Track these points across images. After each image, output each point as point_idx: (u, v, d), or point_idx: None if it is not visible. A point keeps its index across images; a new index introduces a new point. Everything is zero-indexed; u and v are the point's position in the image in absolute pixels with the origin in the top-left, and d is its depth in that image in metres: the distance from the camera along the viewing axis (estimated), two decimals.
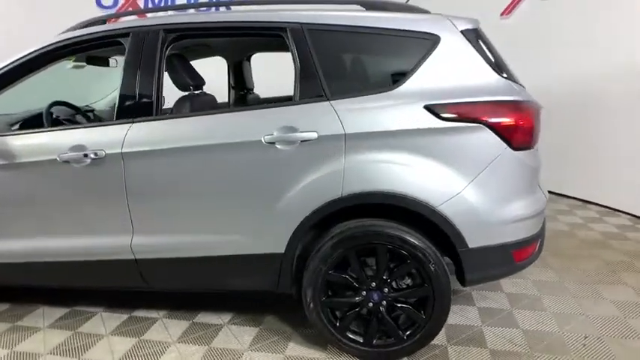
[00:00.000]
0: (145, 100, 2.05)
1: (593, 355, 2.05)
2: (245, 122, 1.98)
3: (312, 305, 2.03)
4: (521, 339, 2.19)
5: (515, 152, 1.86)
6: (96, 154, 2.02)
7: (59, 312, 2.59)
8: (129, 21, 2.20)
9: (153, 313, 2.54)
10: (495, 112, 1.83)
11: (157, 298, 2.65)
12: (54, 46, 2.16)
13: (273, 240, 2.00)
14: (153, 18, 2.17)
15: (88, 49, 2.22)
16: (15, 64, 2.14)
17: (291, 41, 1.99)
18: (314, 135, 1.88)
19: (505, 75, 1.94)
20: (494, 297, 2.58)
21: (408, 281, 2.03)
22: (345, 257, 1.96)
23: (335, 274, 1.99)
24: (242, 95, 3.43)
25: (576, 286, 2.71)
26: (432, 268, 1.89)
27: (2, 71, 2.17)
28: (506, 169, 1.87)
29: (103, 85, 3.35)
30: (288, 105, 1.97)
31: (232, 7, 2.60)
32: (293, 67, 2.01)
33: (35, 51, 2.15)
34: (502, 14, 4.82)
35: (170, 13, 2.23)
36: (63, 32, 2.25)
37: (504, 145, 1.84)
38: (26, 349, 2.23)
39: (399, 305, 1.99)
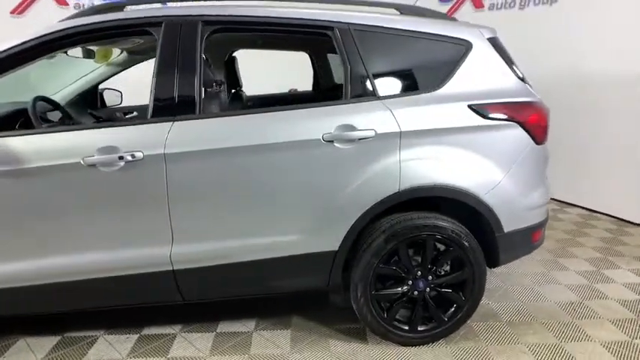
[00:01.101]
0: (186, 96, 1.88)
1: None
2: (302, 121, 1.94)
3: (362, 299, 2.08)
4: (524, 310, 2.52)
5: (537, 147, 2.14)
6: (133, 155, 1.81)
7: (48, 342, 2.23)
8: (157, 9, 1.99)
9: (167, 329, 2.34)
10: (525, 111, 2.09)
11: (161, 313, 2.43)
12: (65, 32, 1.86)
13: (330, 238, 2.01)
14: (188, 7, 1.98)
15: (105, 37, 1.96)
16: (15, 49, 1.80)
17: (339, 41, 2.01)
18: (372, 133, 1.94)
19: (522, 78, 2.22)
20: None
21: (447, 267, 2.19)
22: (395, 250, 2.05)
23: (385, 267, 2.07)
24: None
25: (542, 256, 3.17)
26: (473, 254, 2.08)
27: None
28: (531, 162, 2.15)
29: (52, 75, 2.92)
30: (343, 103, 1.99)
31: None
32: (341, 65, 2.04)
33: (43, 35, 1.83)
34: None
35: (201, 2, 2.05)
36: (67, 18, 1.94)
37: (531, 140, 2.11)
38: None
39: (443, 290, 2.15)
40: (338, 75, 3.32)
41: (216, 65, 3.11)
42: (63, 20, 1.94)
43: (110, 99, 3.31)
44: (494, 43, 2.18)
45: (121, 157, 1.80)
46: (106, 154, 1.80)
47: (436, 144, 2.00)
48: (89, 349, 2.18)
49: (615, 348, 2.17)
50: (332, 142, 1.92)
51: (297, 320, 2.43)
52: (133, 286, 1.96)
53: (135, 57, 2.97)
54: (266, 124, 1.93)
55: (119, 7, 1.98)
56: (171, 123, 1.86)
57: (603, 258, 3.22)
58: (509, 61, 2.19)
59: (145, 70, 2.38)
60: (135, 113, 3.29)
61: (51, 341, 2.24)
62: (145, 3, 2.11)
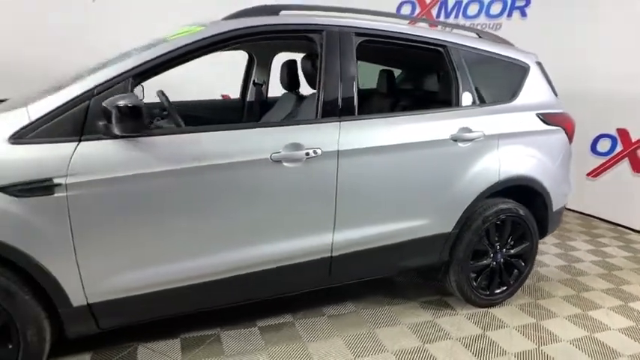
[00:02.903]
0: (349, 99, 2.10)
1: None
2: (435, 122, 2.31)
3: (462, 271, 2.53)
4: None
5: (569, 146, 2.85)
6: (315, 152, 1.96)
7: (171, 344, 2.19)
8: (318, 17, 2.13)
9: (210, 331, 2.41)
10: (566, 119, 2.77)
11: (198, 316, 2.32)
12: (233, 33, 1.90)
13: (448, 221, 2.41)
14: (343, 19, 2.16)
15: (269, 39, 2.04)
16: (183, 49, 1.80)
17: (450, 57, 2.43)
18: (481, 134, 2.40)
19: (556, 94, 2.90)
20: None
21: (512, 242, 2.75)
22: (487, 229, 2.55)
23: (479, 243, 2.55)
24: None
25: None
26: (533, 230, 2.69)
27: (168, 55, 1.79)
28: (567, 158, 2.84)
29: None
30: (460, 109, 2.41)
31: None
32: (446, 76, 2.45)
33: (200, 40, 1.85)
34: None
35: (347, 15, 2.23)
36: (226, 18, 1.98)
37: (568, 141, 2.80)
38: None
39: (512, 260, 2.71)
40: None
41: None
42: (227, 19, 1.97)
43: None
44: (540, 65, 2.82)
45: (307, 154, 1.94)
46: (293, 151, 1.92)
47: (517, 144, 2.55)
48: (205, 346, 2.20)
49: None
50: (456, 141, 2.33)
51: (330, 310, 2.64)
52: (295, 274, 2.09)
53: None
54: (410, 124, 2.25)
55: (275, 11, 2.08)
56: (339, 123, 2.06)
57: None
58: (549, 80, 2.85)
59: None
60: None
61: (174, 344, 2.20)
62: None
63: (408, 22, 2.57)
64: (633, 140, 4.33)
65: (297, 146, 1.94)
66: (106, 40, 4.41)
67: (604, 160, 4.57)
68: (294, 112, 2.73)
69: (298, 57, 2.68)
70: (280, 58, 2.98)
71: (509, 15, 5.29)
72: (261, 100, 3.42)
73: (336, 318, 2.50)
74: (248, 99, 3.41)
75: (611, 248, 3.89)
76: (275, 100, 3.22)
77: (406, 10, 5.99)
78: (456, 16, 5.72)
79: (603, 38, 4.40)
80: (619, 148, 4.45)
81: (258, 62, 3.35)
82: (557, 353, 2.30)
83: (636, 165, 4.34)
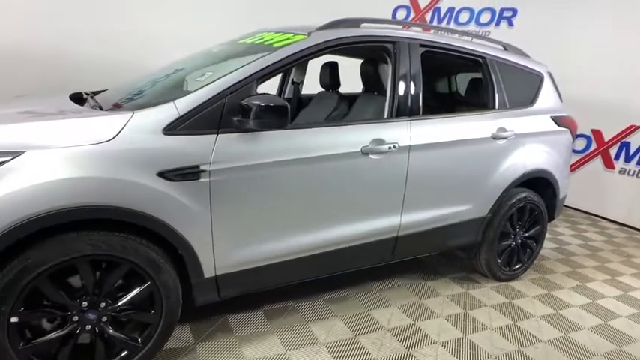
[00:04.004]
0: (416, 101, 2.45)
1: None
2: (480, 123, 2.71)
3: (492, 250, 2.98)
4: None
5: (572, 145, 3.36)
6: (395, 146, 2.31)
7: (251, 316, 2.47)
8: (392, 29, 2.45)
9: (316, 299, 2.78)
10: (571, 122, 3.28)
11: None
12: (332, 43, 2.20)
13: (485, 207, 2.83)
14: (411, 32, 2.50)
15: (352, 49, 2.34)
16: (285, 60, 2.06)
17: (487, 67, 2.84)
18: (513, 134, 2.84)
19: (561, 99, 3.40)
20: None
21: (528, 225, 3.22)
22: (511, 214, 3.00)
23: (505, 226, 3.00)
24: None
25: None
26: (544, 215, 3.19)
27: (282, 61, 2.06)
28: (569, 155, 3.35)
29: None
30: (496, 112, 2.83)
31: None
32: (485, 82, 2.87)
33: (308, 48, 2.13)
34: None
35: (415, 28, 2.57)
36: (319, 28, 2.26)
37: (572, 140, 3.31)
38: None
39: (528, 241, 3.19)
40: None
41: None
42: (320, 29, 2.25)
43: None
44: (550, 75, 3.31)
45: (389, 148, 2.28)
46: (378, 145, 2.26)
47: (537, 142, 3.02)
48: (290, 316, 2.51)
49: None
50: (495, 139, 2.75)
51: (385, 285, 3.12)
52: (370, 251, 2.43)
53: None
54: (460, 124, 2.64)
55: (356, 23, 2.39)
56: (409, 122, 2.41)
57: None
58: (556, 87, 3.35)
59: None
60: None
61: (258, 314, 2.48)
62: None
63: (454, 34, 2.95)
64: (606, 140, 4.99)
65: (380, 141, 2.27)
66: (114, 30, 4.54)
67: (579, 157, 5.22)
68: (340, 110, 3.05)
69: (337, 59, 3.00)
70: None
71: (497, 24, 5.84)
72: (297, 97, 3.69)
73: (392, 290, 2.87)
74: (285, 96, 3.67)
75: (590, 234, 4.52)
76: (309, 97, 3.52)
77: (401, 14, 6.40)
78: (448, 22, 6.20)
79: (580, 47, 4.99)
80: (593, 146, 5.11)
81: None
82: (571, 316, 2.79)
83: (607, 162, 5.01)
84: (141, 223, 1.72)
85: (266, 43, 2.27)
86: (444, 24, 6.21)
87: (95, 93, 2.54)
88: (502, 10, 5.76)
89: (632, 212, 4.81)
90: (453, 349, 2.31)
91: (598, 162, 5.08)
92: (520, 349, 2.38)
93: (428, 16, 6.32)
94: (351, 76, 3.45)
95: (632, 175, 4.81)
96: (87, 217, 1.63)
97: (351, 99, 3.21)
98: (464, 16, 6.11)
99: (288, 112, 1.85)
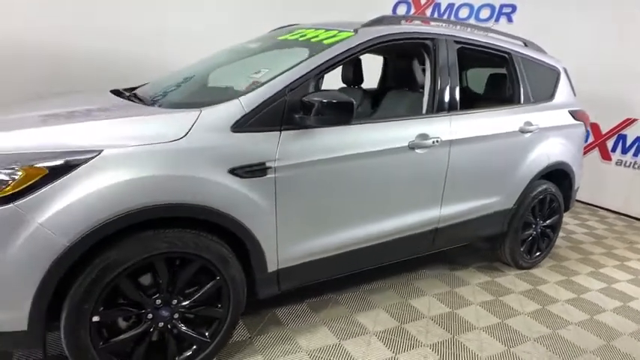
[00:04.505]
0: (455, 96, 2.53)
1: None
2: (509, 117, 2.81)
3: (516, 239, 3.10)
4: None
5: (584, 137, 3.51)
6: (437, 140, 2.38)
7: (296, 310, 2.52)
8: (431, 27, 2.51)
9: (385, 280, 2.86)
10: (585, 115, 3.42)
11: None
12: (378, 40, 2.25)
13: (511, 199, 2.94)
14: (447, 29, 2.57)
15: (391, 46, 2.38)
16: (339, 57, 2.10)
17: (513, 62, 2.94)
18: (537, 127, 2.95)
19: (575, 94, 3.54)
20: None
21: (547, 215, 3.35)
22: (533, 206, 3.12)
23: (527, 216, 3.13)
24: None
25: None
26: (561, 205, 3.33)
27: (335, 58, 2.09)
28: (582, 147, 3.50)
29: None
30: (522, 106, 2.93)
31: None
32: (508, 78, 2.97)
33: (359, 44, 2.18)
34: None
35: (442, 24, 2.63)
36: (365, 26, 2.31)
37: (585, 133, 3.46)
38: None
39: (547, 230, 3.33)
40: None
41: None
42: (365, 27, 2.30)
43: None
44: (566, 70, 3.44)
45: (432, 142, 2.35)
46: (422, 140, 2.32)
47: (558, 135, 3.14)
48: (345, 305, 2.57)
49: None
50: (522, 132, 2.86)
51: (419, 277, 3.25)
52: (415, 242, 2.51)
53: None
54: (492, 118, 2.73)
55: (396, 21, 2.44)
56: (449, 117, 2.49)
57: None
58: (571, 82, 3.48)
59: None
60: None
61: (303, 307, 2.53)
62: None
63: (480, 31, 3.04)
64: (603, 132, 5.20)
65: (425, 136, 2.34)
66: (111, 23, 4.47)
67: None
68: (364, 106, 3.12)
69: None
70: None
71: (497, 20, 5.98)
72: None
73: (423, 280, 2.96)
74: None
75: (592, 222, 4.72)
76: None
77: (402, 10, 6.48)
78: (448, 18, 6.31)
79: (579, 42, 5.16)
80: (590, 139, 5.31)
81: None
82: (593, 299, 2.94)
83: (605, 154, 5.23)
84: (214, 219, 1.74)
85: (313, 40, 2.30)
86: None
87: (130, 90, 2.54)
88: (502, 6, 5.90)
89: (629, 202, 5.04)
90: (494, 334, 2.42)
91: (595, 154, 5.29)
92: (555, 332, 2.50)
93: (428, 12, 6.41)
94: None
95: (629, 166, 5.04)
96: (163, 215, 1.64)
97: (374, 95, 3.29)
98: (463, 12, 6.23)
99: (353, 109, 1.89)
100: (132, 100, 2.12)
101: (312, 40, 2.32)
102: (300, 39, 2.41)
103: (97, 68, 4.41)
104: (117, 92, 2.37)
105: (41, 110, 1.90)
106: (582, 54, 5.16)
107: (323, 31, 2.38)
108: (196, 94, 2.29)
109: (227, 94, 1.95)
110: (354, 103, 1.90)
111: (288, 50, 2.46)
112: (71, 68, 4.40)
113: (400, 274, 3.01)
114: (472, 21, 6.15)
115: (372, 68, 3.62)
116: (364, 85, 3.30)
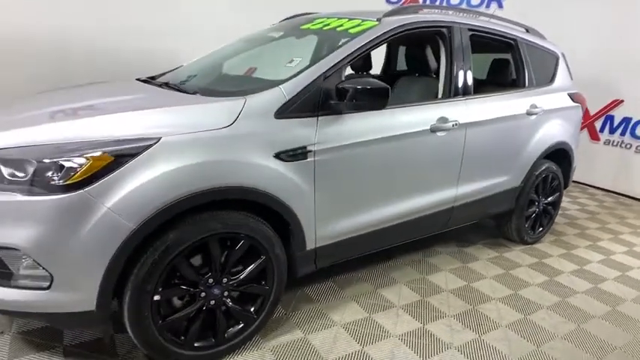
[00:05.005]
0: (468, 81, 2.66)
1: None
2: (517, 101, 2.96)
3: (522, 217, 3.28)
4: None
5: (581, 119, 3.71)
6: (456, 124, 2.51)
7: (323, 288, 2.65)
8: (446, 15, 2.62)
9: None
10: (582, 98, 3.61)
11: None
12: (401, 29, 2.35)
13: (518, 178, 3.11)
14: (461, 18, 2.68)
15: (417, 33, 2.48)
16: (367, 45, 2.20)
17: (520, 49, 3.09)
18: (542, 110, 3.12)
19: (572, 78, 3.71)
20: None
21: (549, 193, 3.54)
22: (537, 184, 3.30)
23: (532, 194, 3.31)
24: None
25: None
26: (561, 183, 3.52)
27: (364, 47, 2.19)
28: (579, 128, 3.69)
29: None
30: (527, 90, 3.08)
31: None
32: (514, 63, 3.12)
33: (384, 33, 2.28)
34: None
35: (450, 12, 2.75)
36: (387, 15, 2.40)
37: (582, 115, 3.65)
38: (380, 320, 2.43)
39: (548, 207, 3.52)
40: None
41: None
42: (386, 16, 2.40)
43: None
44: (564, 55, 3.61)
45: (452, 125, 2.48)
46: (443, 123, 2.45)
47: (559, 117, 3.32)
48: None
49: None
50: (528, 114, 3.02)
51: (430, 254, 3.42)
52: (434, 220, 2.66)
53: None
54: (502, 102, 2.88)
55: (414, 10, 2.54)
56: (465, 100, 2.62)
57: None
58: (568, 66, 3.65)
59: None
60: None
61: (330, 285, 2.66)
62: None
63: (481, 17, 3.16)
64: (591, 114, 5.44)
65: (444, 119, 2.47)
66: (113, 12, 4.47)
67: None
68: None
69: None
70: None
71: (488, 6, 6.12)
72: None
73: (435, 257, 3.12)
74: None
75: (583, 200, 4.97)
76: None
77: None
78: (440, 3, 6.43)
79: (568, 27, 5.34)
80: None
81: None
82: (594, 270, 3.15)
83: (593, 134, 5.48)
84: (262, 201, 1.84)
85: (339, 29, 2.39)
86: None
87: (152, 78, 2.59)
88: None
89: (617, 179, 5.31)
90: (509, 304, 2.59)
91: (584, 134, 5.52)
92: (564, 300, 2.70)
93: None
94: None
95: (616, 145, 5.30)
96: (219, 198, 1.73)
97: (384, 81, 3.39)
98: None
99: (388, 94, 2.00)
100: (171, 89, 2.18)
101: (338, 29, 2.40)
102: (324, 28, 2.50)
103: (113, 63, 4.45)
104: (145, 81, 2.42)
105: (89, 100, 1.96)
106: (571, 38, 5.34)
107: (346, 20, 2.47)
108: (234, 82, 2.35)
109: (265, 83, 2.03)
110: (389, 88, 2.00)
111: (314, 38, 2.54)
112: (79, 64, 4.40)
113: (413, 252, 3.16)
114: (463, 6, 6.29)
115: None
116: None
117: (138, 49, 4.65)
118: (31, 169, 1.51)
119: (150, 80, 2.48)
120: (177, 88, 2.17)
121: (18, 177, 1.51)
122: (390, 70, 3.82)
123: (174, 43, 4.71)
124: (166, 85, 2.30)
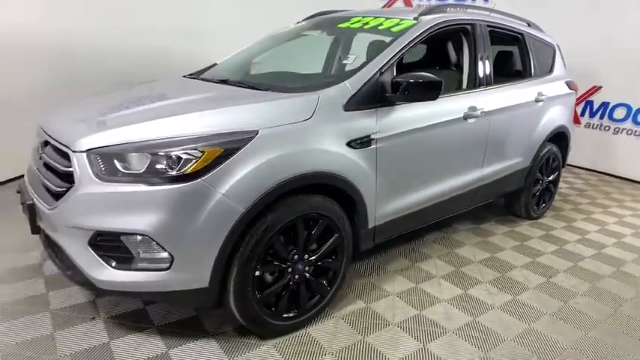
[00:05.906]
0: (489, 72, 2.96)
1: None
2: (528, 89, 3.29)
3: (531, 194, 3.65)
4: None
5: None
6: (483, 112, 2.81)
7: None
8: (469, 13, 2.90)
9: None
10: (575, 85, 4.00)
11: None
12: (437, 27, 2.62)
13: (528, 159, 3.46)
14: (481, 15, 2.97)
15: (448, 31, 2.75)
16: (412, 42, 2.45)
17: (526, 42, 3.42)
18: (546, 97, 3.47)
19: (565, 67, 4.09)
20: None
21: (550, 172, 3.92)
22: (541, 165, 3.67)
23: (537, 174, 3.67)
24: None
25: None
26: (560, 162, 3.91)
27: (409, 44, 2.44)
28: (573, 111, 4.09)
29: None
30: (533, 79, 3.43)
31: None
32: (521, 55, 3.45)
33: (425, 31, 2.54)
34: None
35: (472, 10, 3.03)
36: (422, 14, 2.66)
37: (574, 100, 4.04)
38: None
39: (550, 185, 3.90)
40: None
41: None
42: (422, 15, 2.65)
43: None
44: (558, 46, 3.98)
45: (480, 113, 2.78)
46: (473, 111, 2.74)
47: (559, 103, 3.69)
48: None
49: None
50: (536, 101, 3.36)
51: (446, 233, 3.76)
52: (466, 198, 2.96)
53: None
54: (517, 90, 3.20)
55: (441, 9, 2.81)
56: (486, 90, 2.92)
57: None
58: (562, 57, 4.03)
59: None
60: None
61: (371, 264, 2.92)
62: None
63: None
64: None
65: (474, 108, 2.76)
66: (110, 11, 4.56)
67: None
68: None
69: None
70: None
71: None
72: None
73: (457, 234, 3.43)
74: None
75: (571, 178, 5.43)
76: None
77: None
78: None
79: (555, 17, 5.73)
80: None
81: (343, 42, 3.95)
82: (595, 238, 3.56)
83: (575, 118, 5.90)
84: (340, 185, 2.08)
85: (380, 28, 2.63)
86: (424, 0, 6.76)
87: (198, 73, 2.77)
88: None
89: (597, 159, 5.80)
90: (531, 270, 2.94)
91: None
92: (576, 264, 3.07)
93: None
94: None
95: (596, 128, 5.79)
96: (308, 183, 1.95)
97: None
98: None
99: (441, 87, 2.26)
100: (243, 87, 2.35)
101: (379, 28, 2.64)
102: (366, 27, 2.73)
103: (131, 64, 4.52)
104: (194, 78, 2.61)
105: (170, 98, 2.14)
106: (557, 28, 5.75)
107: (384, 19, 2.71)
108: (299, 79, 2.54)
109: (329, 79, 2.25)
110: (442, 81, 2.26)
111: (360, 37, 2.77)
112: (87, 66, 4.43)
113: (438, 230, 3.47)
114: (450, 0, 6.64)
115: None
116: None
117: (147, 48, 4.73)
118: (147, 162, 1.69)
119: (196, 77, 2.65)
120: (247, 85, 2.35)
121: (136, 170, 1.69)
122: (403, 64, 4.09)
123: (186, 44, 4.82)
124: (225, 82, 2.47)
